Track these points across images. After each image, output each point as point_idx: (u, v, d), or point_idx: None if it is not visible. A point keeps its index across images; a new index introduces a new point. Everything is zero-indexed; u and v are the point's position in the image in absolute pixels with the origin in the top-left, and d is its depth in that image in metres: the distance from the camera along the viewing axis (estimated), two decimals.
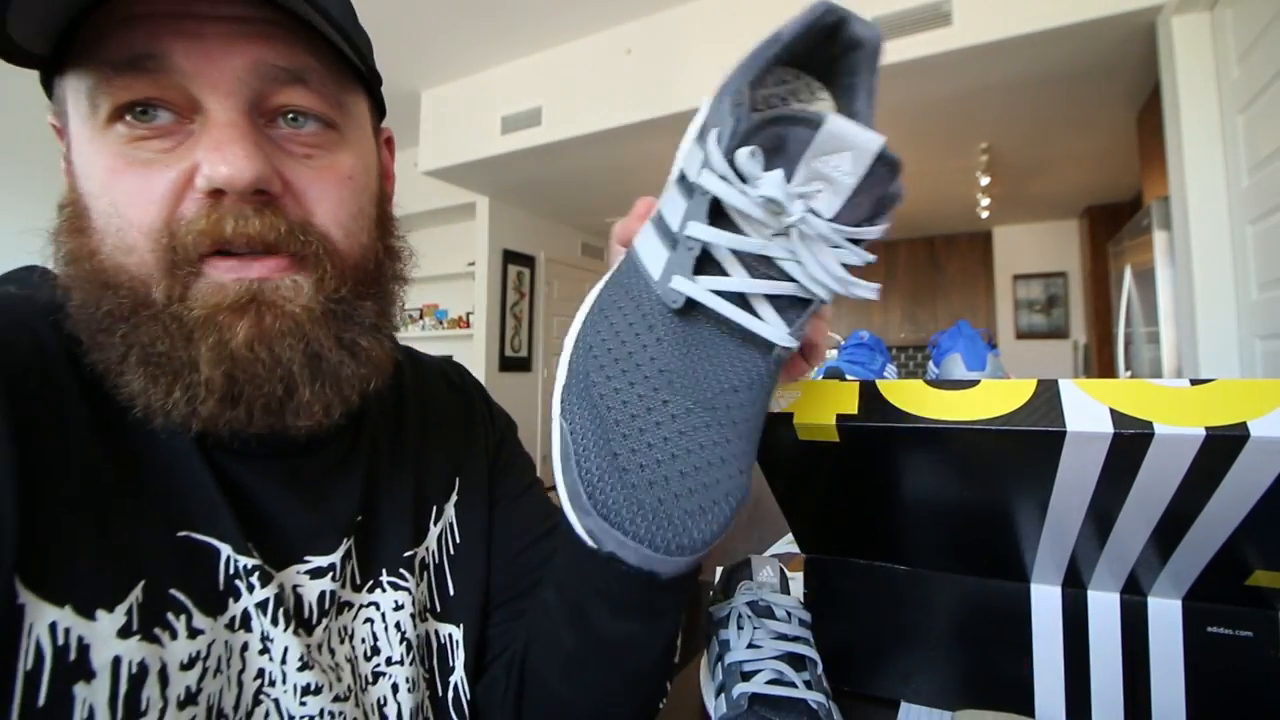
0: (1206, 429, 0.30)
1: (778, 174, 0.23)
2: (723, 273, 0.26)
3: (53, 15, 0.27)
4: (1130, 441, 0.31)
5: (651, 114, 2.75)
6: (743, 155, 0.23)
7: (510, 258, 4.29)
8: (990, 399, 0.34)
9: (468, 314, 4.24)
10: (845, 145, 0.23)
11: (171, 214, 0.29)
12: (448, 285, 4.42)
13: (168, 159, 0.29)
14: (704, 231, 0.25)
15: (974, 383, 0.36)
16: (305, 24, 0.31)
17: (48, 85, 0.32)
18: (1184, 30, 1.90)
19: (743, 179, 0.24)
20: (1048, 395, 0.34)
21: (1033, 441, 0.33)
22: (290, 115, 0.32)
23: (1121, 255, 2.73)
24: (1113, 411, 0.32)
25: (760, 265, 0.25)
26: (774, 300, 0.26)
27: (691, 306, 0.27)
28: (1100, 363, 3.98)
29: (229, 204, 0.29)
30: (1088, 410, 0.32)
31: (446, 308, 4.49)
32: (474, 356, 4.03)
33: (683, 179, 0.27)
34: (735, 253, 0.25)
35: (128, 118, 0.29)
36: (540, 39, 2.96)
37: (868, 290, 0.25)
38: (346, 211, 0.34)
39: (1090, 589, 0.43)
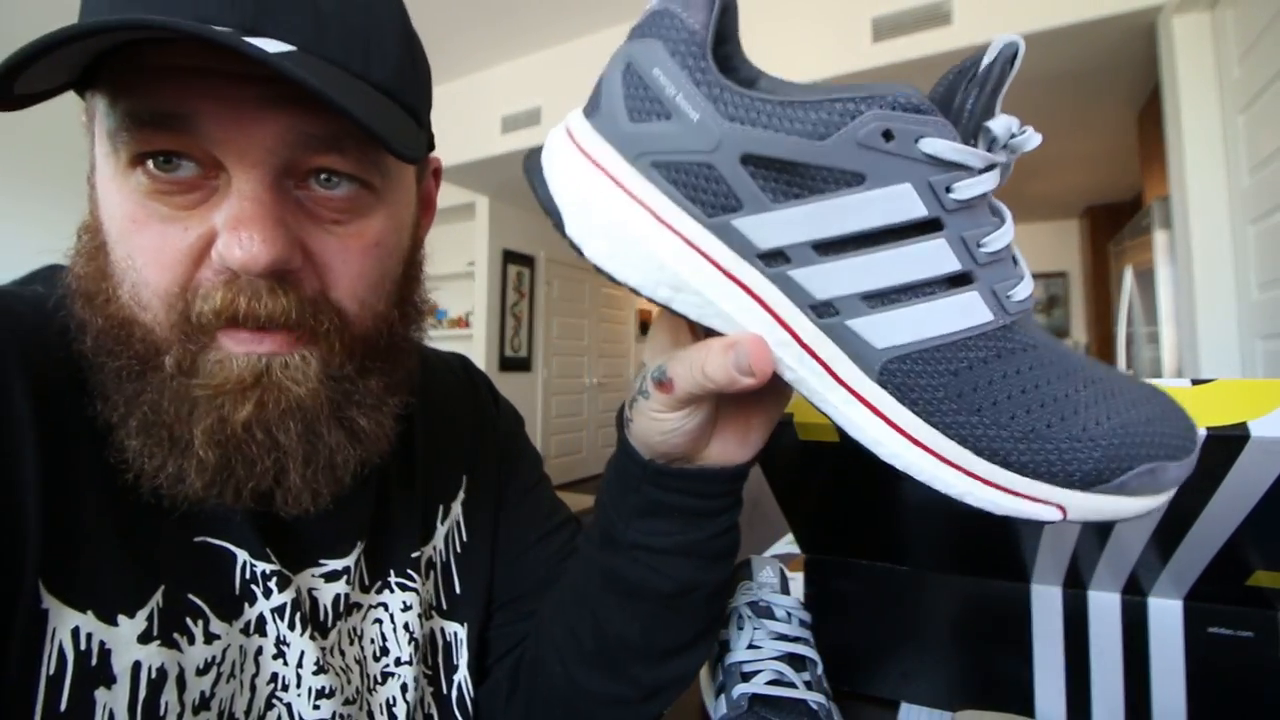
0: (1207, 429, 0.30)
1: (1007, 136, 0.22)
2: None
3: (63, 73, 0.26)
4: None
5: None
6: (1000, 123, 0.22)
7: (510, 258, 4.29)
8: None
9: (468, 314, 4.24)
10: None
11: (188, 280, 0.28)
12: (448, 285, 4.42)
13: (188, 219, 0.28)
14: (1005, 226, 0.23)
15: None
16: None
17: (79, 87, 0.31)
18: (1184, 30, 1.90)
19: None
20: None
21: None
22: (324, 176, 0.30)
23: (1122, 255, 2.73)
24: None
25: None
26: None
27: None
28: None
29: (245, 280, 0.28)
30: None
31: (446, 308, 4.49)
32: (474, 356, 4.01)
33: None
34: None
35: (150, 165, 0.27)
36: (540, 39, 2.96)
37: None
38: (366, 284, 0.32)
39: (1091, 589, 0.43)
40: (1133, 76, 2.37)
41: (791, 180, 0.22)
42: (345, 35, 0.28)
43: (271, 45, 0.25)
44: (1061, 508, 0.22)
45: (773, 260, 0.23)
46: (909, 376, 0.22)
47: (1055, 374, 0.22)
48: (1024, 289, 0.23)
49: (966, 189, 0.21)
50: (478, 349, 4.06)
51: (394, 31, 0.32)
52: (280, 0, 0.27)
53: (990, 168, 0.21)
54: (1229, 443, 0.30)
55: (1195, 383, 0.32)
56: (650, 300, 0.25)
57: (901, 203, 0.21)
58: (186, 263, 0.28)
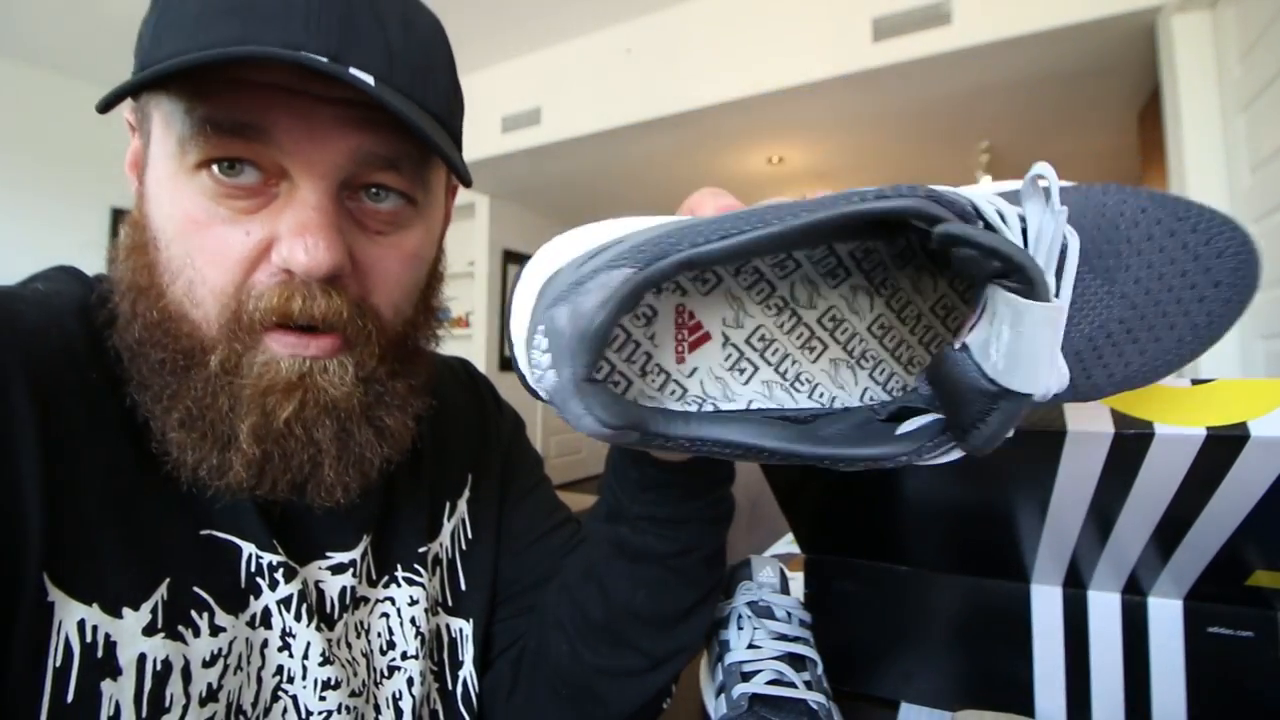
0: (1207, 429, 0.30)
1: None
2: None
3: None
4: (1131, 442, 0.31)
5: (651, 114, 2.76)
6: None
7: (510, 258, 4.29)
8: None
9: (468, 314, 4.24)
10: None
11: (244, 281, 0.30)
12: (448, 285, 4.40)
13: (249, 223, 0.30)
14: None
15: None
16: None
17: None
18: (1185, 30, 1.90)
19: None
20: None
21: (1034, 441, 0.33)
22: (374, 191, 0.32)
23: None
24: (1113, 412, 0.32)
25: None
26: None
27: None
28: None
29: (299, 282, 0.30)
30: (1088, 410, 0.32)
31: (447, 308, 4.49)
32: (474, 356, 4.03)
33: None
34: None
35: (215, 169, 0.29)
36: (540, 39, 2.97)
37: None
38: (402, 291, 0.34)
39: (1091, 589, 0.43)
40: (1133, 76, 2.37)
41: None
42: (412, 69, 0.31)
43: (357, 75, 0.28)
44: None
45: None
46: None
47: None
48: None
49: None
50: (478, 349, 4.06)
51: (445, 65, 0.35)
52: (360, 35, 0.29)
53: None
54: (1229, 443, 0.30)
55: (1195, 383, 0.32)
56: None
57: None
58: (245, 264, 0.30)
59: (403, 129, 0.30)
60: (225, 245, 0.29)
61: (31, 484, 0.26)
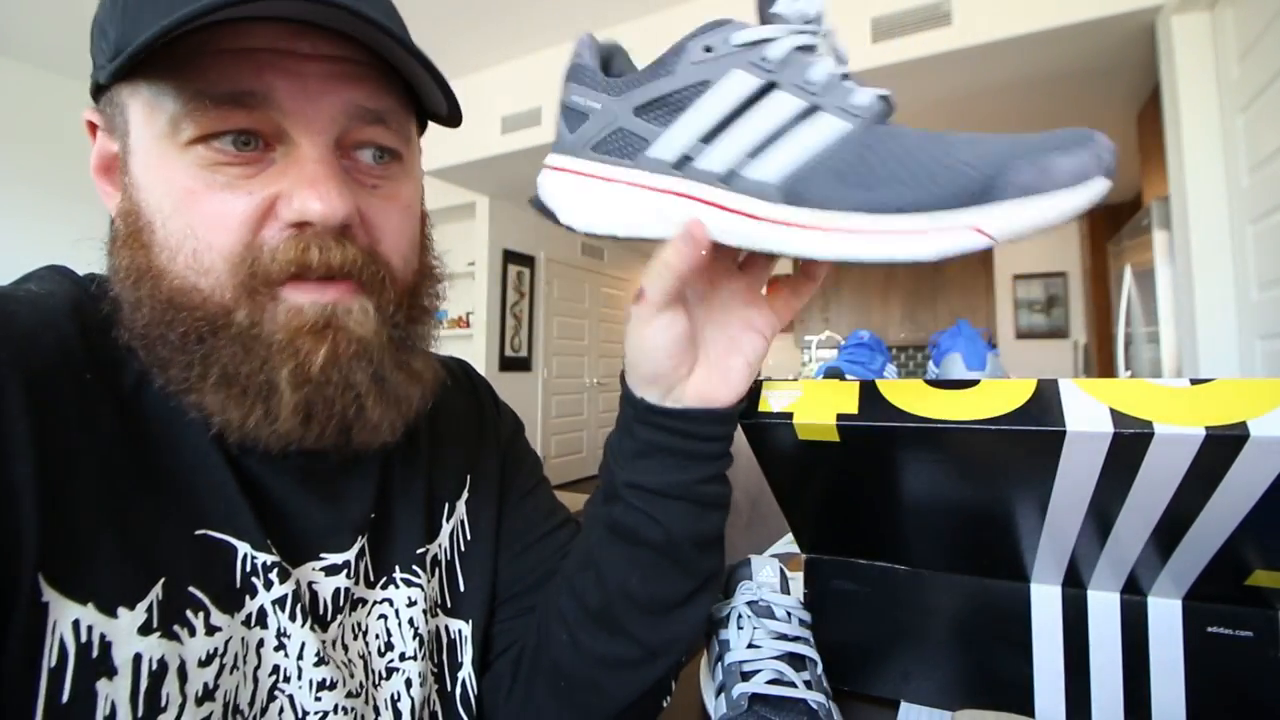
0: (1206, 429, 0.30)
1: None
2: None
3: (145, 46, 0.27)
4: (1130, 441, 0.31)
5: None
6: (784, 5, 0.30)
7: (510, 258, 4.29)
8: (990, 399, 0.34)
9: (468, 314, 4.24)
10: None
11: (253, 240, 0.31)
12: (447, 285, 4.41)
13: (249, 185, 0.30)
14: (825, 61, 0.30)
15: (974, 382, 0.36)
16: (387, 66, 0.33)
17: (91, 89, 0.33)
18: (1184, 30, 1.90)
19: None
20: (1048, 395, 0.34)
21: (1033, 441, 0.33)
22: (365, 148, 0.34)
23: (1121, 255, 2.74)
24: (1113, 411, 0.32)
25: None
26: None
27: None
28: (1100, 363, 3.98)
29: (312, 234, 0.31)
30: (1088, 410, 0.32)
31: (446, 307, 4.47)
32: (474, 356, 4.03)
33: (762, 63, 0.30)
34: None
35: (214, 143, 0.30)
36: (540, 39, 2.97)
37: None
38: (405, 240, 0.36)
39: (1090, 589, 0.43)
40: (1132, 76, 2.37)
41: (666, 108, 0.31)
42: (380, 6, 0.33)
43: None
44: (978, 229, 0.26)
45: (680, 165, 0.31)
46: (806, 187, 0.29)
47: (927, 141, 0.28)
48: (862, 96, 0.29)
49: (775, 51, 0.29)
50: (478, 349, 4.06)
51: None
52: None
53: (792, 34, 0.30)
54: (1229, 442, 0.30)
55: (1194, 382, 0.32)
56: (625, 239, 0.33)
57: (739, 83, 0.30)
58: (251, 224, 0.30)
59: (384, 80, 0.32)
60: (227, 209, 0.30)
61: (26, 484, 0.25)
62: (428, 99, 0.36)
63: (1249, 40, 1.67)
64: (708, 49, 0.30)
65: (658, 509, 0.35)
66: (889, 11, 2.26)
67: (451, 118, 0.37)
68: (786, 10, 0.30)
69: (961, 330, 0.90)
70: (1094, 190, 0.26)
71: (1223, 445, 0.30)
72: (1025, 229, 0.26)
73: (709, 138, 0.30)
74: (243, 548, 0.32)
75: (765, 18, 0.30)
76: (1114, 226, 3.29)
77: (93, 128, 0.35)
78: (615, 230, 0.32)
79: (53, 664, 0.25)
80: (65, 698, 0.25)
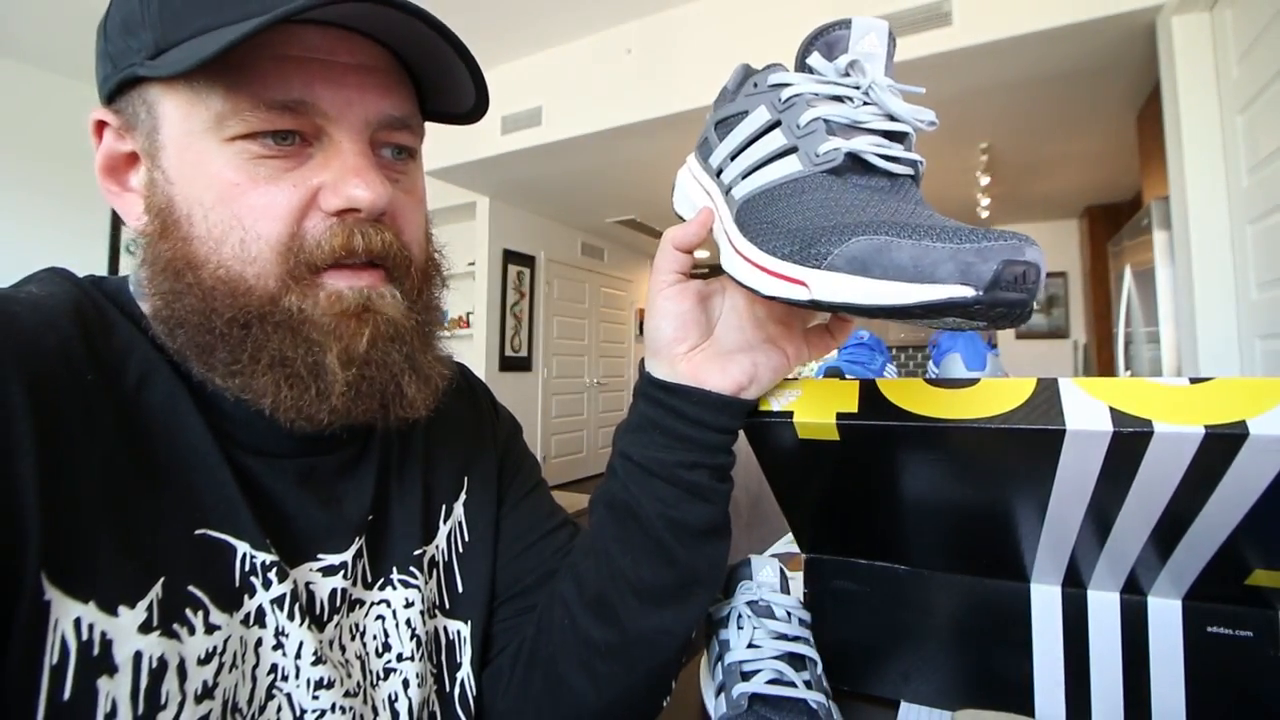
0: (1205, 427, 0.30)
1: (844, 58, 0.33)
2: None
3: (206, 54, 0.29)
4: (1130, 440, 0.31)
5: (651, 114, 2.75)
6: (815, 60, 0.34)
7: (510, 258, 4.29)
8: (990, 398, 0.35)
9: (468, 314, 4.24)
10: (869, 28, 0.32)
11: (297, 229, 0.33)
12: (449, 283, 4.41)
13: (291, 178, 0.33)
14: (824, 109, 0.33)
15: (974, 381, 0.36)
16: (409, 75, 0.37)
17: (110, 89, 0.34)
18: (1184, 30, 1.90)
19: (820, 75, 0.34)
20: (1047, 394, 0.34)
21: (1032, 440, 0.33)
22: (396, 149, 0.37)
23: (1121, 255, 2.74)
24: (1112, 410, 0.32)
25: (856, 130, 0.33)
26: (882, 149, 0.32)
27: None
28: (1100, 363, 3.98)
29: (353, 221, 0.33)
30: (1087, 409, 0.32)
31: (446, 307, 4.47)
32: (474, 356, 4.03)
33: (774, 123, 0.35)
34: (840, 124, 0.33)
35: (256, 139, 0.32)
36: (540, 39, 2.96)
37: (927, 113, 0.33)
38: (420, 229, 0.39)
39: (1090, 589, 0.43)
40: (1132, 76, 2.37)
41: (724, 127, 0.38)
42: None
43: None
44: (804, 283, 0.29)
45: (717, 172, 0.38)
46: (748, 213, 0.34)
47: (831, 200, 0.31)
48: (825, 145, 0.32)
49: (790, 92, 0.34)
50: (478, 349, 4.06)
51: None
52: None
53: (813, 82, 0.34)
54: (1228, 441, 0.30)
55: (1194, 381, 0.32)
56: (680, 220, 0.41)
57: (759, 116, 0.35)
58: (296, 214, 0.33)
59: (407, 89, 0.37)
60: (274, 200, 0.32)
61: (29, 484, 0.26)
62: (439, 100, 0.39)
63: (1249, 40, 1.67)
64: (754, 85, 0.36)
65: (636, 482, 0.38)
66: (889, 11, 2.26)
67: (475, 112, 0.40)
68: (816, 63, 0.34)
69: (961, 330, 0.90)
70: (932, 294, 0.25)
71: (1222, 444, 0.30)
72: (841, 299, 0.27)
73: (733, 155, 0.36)
74: (242, 547, 0.33)
75: (799, 66, 0.35)
76: (1114, 226, 3.29)
77: (99, 128, 0.35)
78: (680, 211, 0.41)
79: (54, 662, 0.25)
80: (66, 695, 0.25)
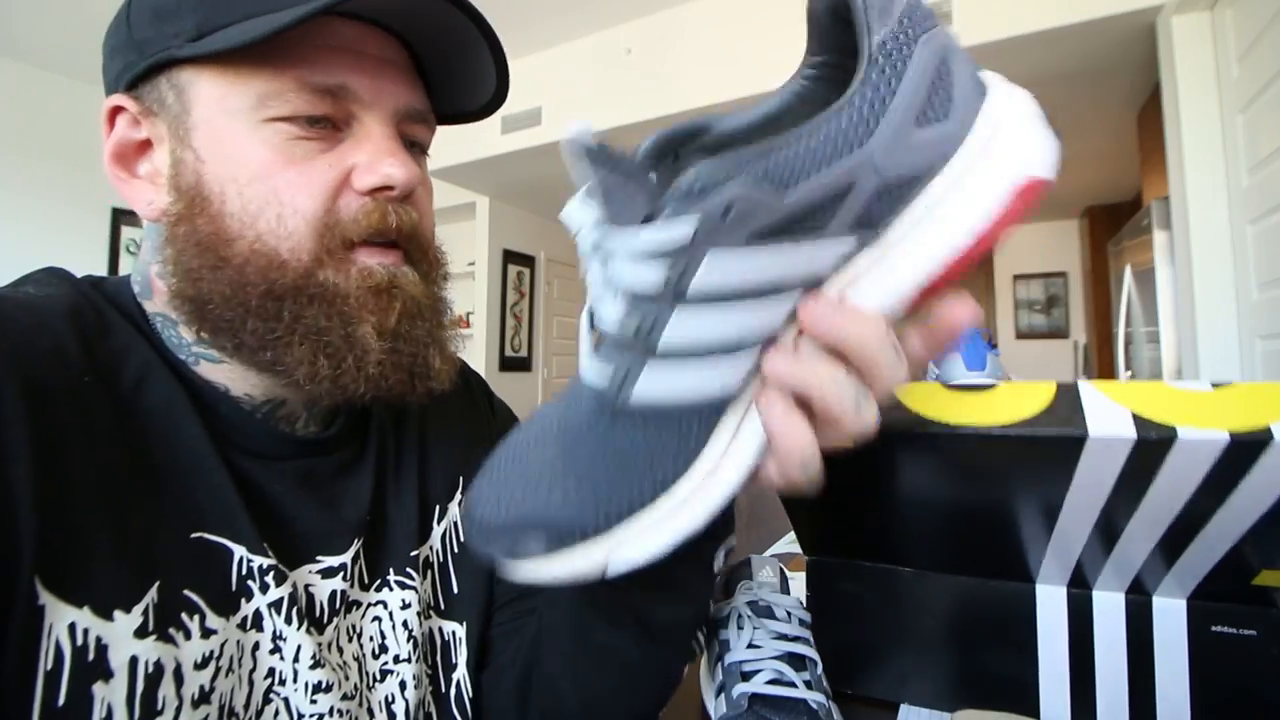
0: (1230, 434, 0.29)
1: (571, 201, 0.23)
2: None
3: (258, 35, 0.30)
4: (1152, 447, 0.31)
5: (651, 114, 2.75)
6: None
7: (510, 258, 4.29)
8: (1009, 403, 0.34)
9: (468, 314, 4.24)
10: (569, 155, 0.21)
11: (332, 205, 0.34)
12: (450, 282, 4.41)
13: (326, 159, 0.34)
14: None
15: (990, 386, 0.35)
16: (423, 71, 0.38)
17: (135, 75, 0.34)
18: (1184, 30, 1.90)
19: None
20: (1069, 399, 0.33)
21: (1053, 447, 0.32)
22: (410, 143, 0.38)
23: (1121, 255, 2.74)
24: (1135, 416, 0.31)
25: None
26: (606, 342, 0.24)
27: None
28: (1100, 363, 3.98)
29: (385, 199, 0.35)
30: (1110, 414, 0.31)
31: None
32: (474, 356, 4.03)
33: None
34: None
35: (293, 121, 0.33)
36: (540, 39, 2.97)
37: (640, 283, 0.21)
38: (430, 217, 0.40)
39: (1095, 589, 0.43)
40: (1132, 76, 2.37)
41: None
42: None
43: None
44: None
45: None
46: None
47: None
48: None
49: None
50: (478, 349, 4.06)
51: None
52: None
53: None
54: (1251, 447, 0.29)
55: (1215, 385, 0.31)
56: None
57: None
58: (332, 191, 0.34)
59: (421, 84, 0.38)
60: (311, 176, 0.33)
61: (23, 487, 0.25)
62: (451, 97, 0.40)
63: (1249, 40, 1.67)
64: None
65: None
66: None
67: (492, 103, 0.41)
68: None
69: None
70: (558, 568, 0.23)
71: (1245, 450, 0.29)
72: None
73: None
74: (239, 551, 0.32)
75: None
76: (1114, 226, 3.29)
77: (113, 116, 0.35)
78: None
79: (49, 667, 0.25)
80: (61, 701, 0.25)
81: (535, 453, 0.25)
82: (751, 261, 0.20)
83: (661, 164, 0.24)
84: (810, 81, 0.26)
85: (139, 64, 0.33)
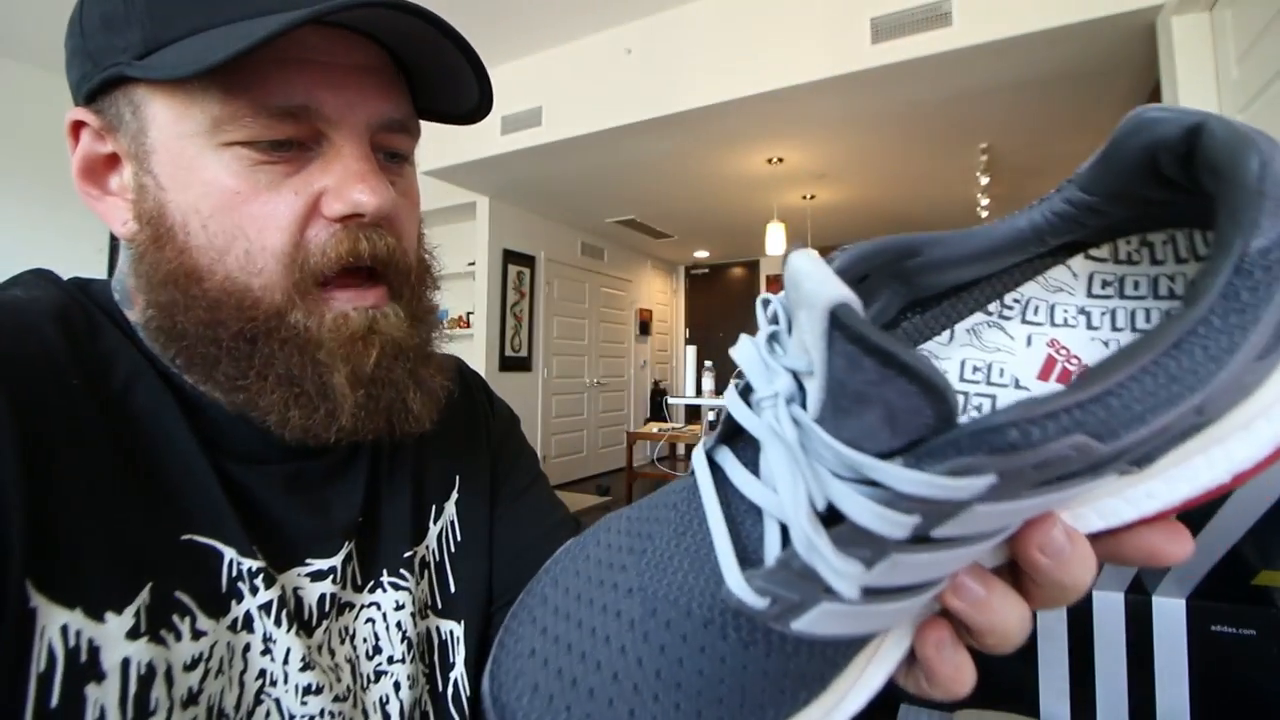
0: None
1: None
2: None
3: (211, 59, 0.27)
4: None
5: (651, 114, 2.75)
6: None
7: (510, 258, 4.29)
8: None
9: (468, 314, 4.24)
10: (796, 289, 0.15)
11: (301, 237, 0.32)
12: (448, 285, 4.40)
13: (292, 184, 0.31)
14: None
15: None
16: (405, 76, 0.35)
17: (91, 88, 0.32)
18: (1184, 30, 1.90)
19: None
20: None
21: None
22: (390, 154, 0.36)
23: None
24: None
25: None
26: (782, 564, 0.17)
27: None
28: None
29: (356, 227, 0.32)
30: None
31: (447, 308, 4.48)
32: (474, 356, 4.02)
33: None
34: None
35: (254, 145, 0.30)
36: (540, 39, 2.96)
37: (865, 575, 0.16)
38: (414, 233, 0.38)
39: (1096, 589, 0.43)
40: (1132, 76, 2.37)
41: None
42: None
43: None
44: None
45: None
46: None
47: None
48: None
49: None
50: (478, 349, 4.06)
51: None
52: None
53: None
54: None
55: None
56: None
57: None
58: (299, 222, 0.32)
59: (404, 90, 0.35)
60: (276, 209, 0.31)
61: (12, 490, 0.25)
62: (437, 100, 0.38)
63: (1249, 40, 1.67)
64: None
65: None
66: (889, 11, 2.26)
67: (477, 112, 0.39)
68: None
69: None
70: None
71: None
72: None
73: None
74: (229, 553, 0.32)
75: None
76: None
77: (76, 130, 0.33)
78: None
79: (41, 669, 0.25)
80: (54, 703, 0.25)
81: (608, 636, 0.18)
82: (1018, 506, 0.16)
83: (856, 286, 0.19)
84: (1059, 220, 0.20)
85: (94, 75, 0.31)
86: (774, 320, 0.18)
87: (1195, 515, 0.34)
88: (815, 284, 0.15)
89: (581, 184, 3.82)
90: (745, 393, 0.19)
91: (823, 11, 2.40)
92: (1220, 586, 0.39)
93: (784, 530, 0.17)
